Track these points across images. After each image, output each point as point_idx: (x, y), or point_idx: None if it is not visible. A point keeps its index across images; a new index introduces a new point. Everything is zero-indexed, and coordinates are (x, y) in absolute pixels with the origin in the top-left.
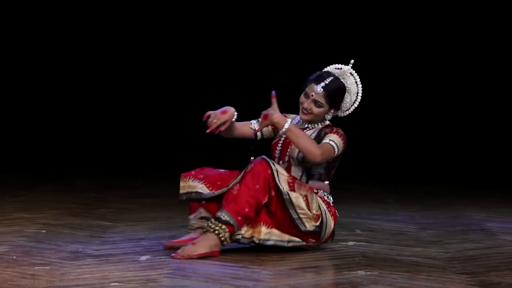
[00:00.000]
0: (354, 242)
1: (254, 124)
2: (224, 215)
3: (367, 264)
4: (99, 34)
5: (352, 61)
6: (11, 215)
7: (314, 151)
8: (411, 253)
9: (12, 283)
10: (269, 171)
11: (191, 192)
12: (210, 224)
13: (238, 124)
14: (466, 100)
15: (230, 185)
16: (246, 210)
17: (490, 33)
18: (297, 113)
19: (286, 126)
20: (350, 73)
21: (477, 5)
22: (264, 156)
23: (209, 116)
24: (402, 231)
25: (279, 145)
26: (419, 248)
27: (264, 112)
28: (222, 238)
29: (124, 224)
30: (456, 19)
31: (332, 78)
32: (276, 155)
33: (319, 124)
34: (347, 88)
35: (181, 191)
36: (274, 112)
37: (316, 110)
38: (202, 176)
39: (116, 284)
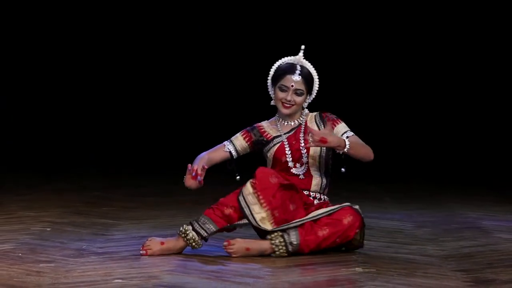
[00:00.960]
0: None
1: (228, 145)
2: (293, 246)
3: (364, 262)
4: (103, 35)
5: (303, 46)
6: (17, 213)
7: (369, 152)
8: (407, 251)
9: (17, 280)
10: (353, 234)
11: (247, 214)
12: (276, 242)
13: (211, 153)
14: (462, 100)
15: (318, 215)
16: (310, 248)
17: (488, 32)
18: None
19: (348, 145)
20: (303, 61)
21: (477, 3)
22: (360, 211)
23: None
24: (399, 229)
25: (287, 150)
26: (415, 246)
27: (321, 136)
28: (273, 254)
29: (127, 222)
30: (455, 18)
31: (299, 65)
32: (288, 160)
33: (302, 116)
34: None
35: (241, 200)
36: (331, 136)
37: (298, 99)
38: (276, 214)
39: (119, 280)
